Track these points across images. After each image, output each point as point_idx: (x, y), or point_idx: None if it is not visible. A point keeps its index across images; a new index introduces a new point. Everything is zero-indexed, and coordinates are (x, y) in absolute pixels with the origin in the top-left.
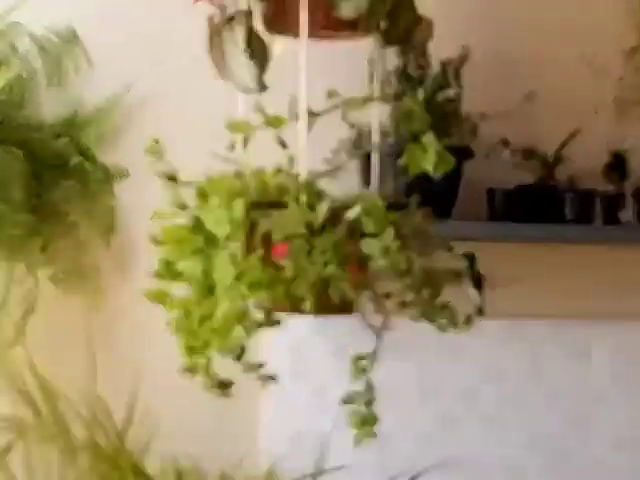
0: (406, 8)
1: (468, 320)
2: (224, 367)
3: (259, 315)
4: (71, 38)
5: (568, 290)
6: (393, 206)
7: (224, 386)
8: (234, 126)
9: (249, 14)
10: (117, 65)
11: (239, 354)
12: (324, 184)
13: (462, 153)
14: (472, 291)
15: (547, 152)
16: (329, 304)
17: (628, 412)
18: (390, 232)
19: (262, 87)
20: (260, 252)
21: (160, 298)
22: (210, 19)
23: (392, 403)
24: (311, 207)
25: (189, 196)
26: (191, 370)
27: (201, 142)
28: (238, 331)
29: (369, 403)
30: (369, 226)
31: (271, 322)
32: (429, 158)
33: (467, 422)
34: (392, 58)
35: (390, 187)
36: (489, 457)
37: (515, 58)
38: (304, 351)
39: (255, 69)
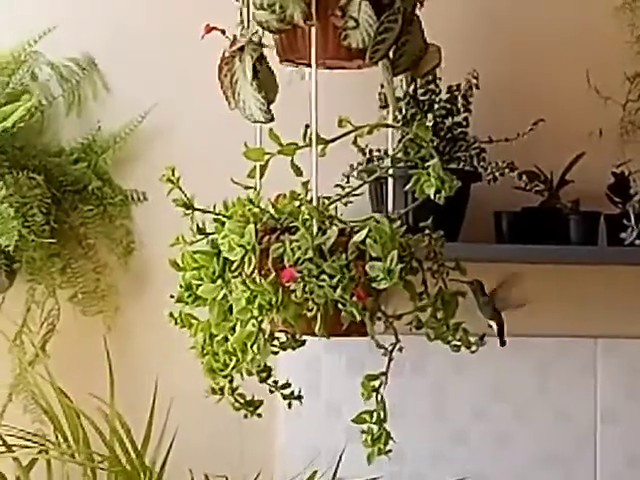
0: (414, 36)
1: (481, 339)
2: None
3: (282, 337)
4: (90, 66)
5: (574, 309)
6: (409, 229)
7: (253, 405)
8: (250, 153)
9: (258, 45)
10: (134, 92)
11: (265, 375)
12: (338, 209)
13: (469, 176)
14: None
15: (552, 175)
16: (340, 325)
17: (637, 429)
18: (394, 255)
19: (269, 118)
20: (272, 276)
21: (185, 322)
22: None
23: (405, 421)
24: (322, 231)
25: (208, 222)
26: (217, 391)
27: (217, 169)
28: (251, 352)
29: (381, 421)
30: (375, 249)
31: (294, 343)
32: (431, 183)
33: (478, 439)
34: (402, 83)
35: (402, 211)
36: (500, 474)
37: (522, 83)
38: (320, 369)
39: (262, 100)
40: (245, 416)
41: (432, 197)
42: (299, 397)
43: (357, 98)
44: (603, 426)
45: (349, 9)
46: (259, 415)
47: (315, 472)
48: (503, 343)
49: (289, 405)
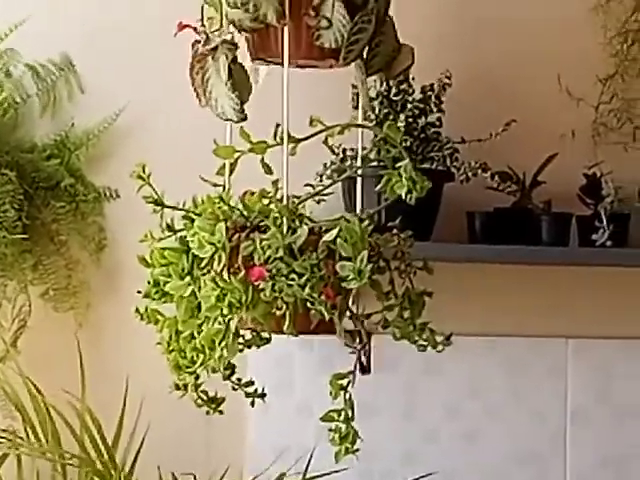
0: (387, 36)
1: (447, 339)
2: (212, 384)
3: (247, 334)
4: (66, 65)
5: (544, 309)
6: (376, 229)
7: (215, 402)
8: (220, 151)
9: (232, 44)
10: (107, 91)
11: (229, 372)
12: (310, 208)
13: (442, 176)
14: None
15: (525, 176)
16: (309, 324)
17: (607, 430)
18: (364, 255)
19: (242, 117)
20: (242, 274)
21: (151, 318)
22: (194, 45)
23: (376, 420)
24: (292, 230)
25: (177, 219)
26: (180, 387)
27: (189, 166)
28: (219, 350)
29: (348, 420)
30: (345, 249)
31: (259, 341)
32: (403, 184)
33: (449, 437)
34: (375, 83)
35: (372, 210)
36: (471, 472)
37: (495, 83)
38: (289, 367)
39: (236, 99)
40: (207, 413)
41: (403, 198)
42: (262, 395)
43: (331, 98)
44: (573, 426)
45: (322, 9)
46: (221, 412)
47: (284, 474)
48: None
49: (252, 403)
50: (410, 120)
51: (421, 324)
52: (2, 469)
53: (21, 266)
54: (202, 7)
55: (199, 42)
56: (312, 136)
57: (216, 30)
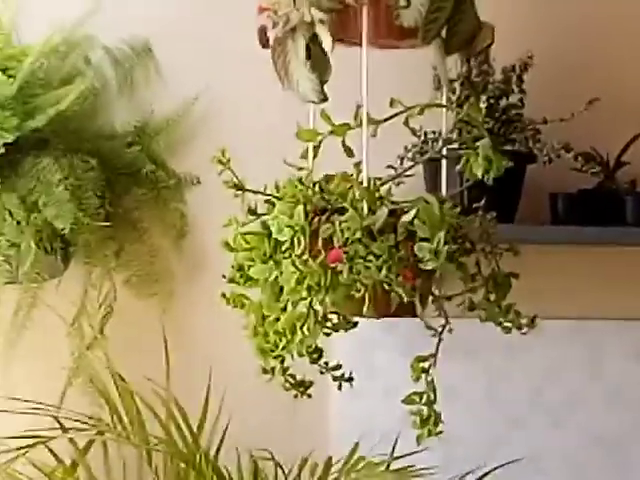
0: (466, 15)
1: (532, 321)
2: (298, 368)
3: (334, 318)
4: (144, 50)
5: (629, 291)
6: (462, 211)
7: (303, 386)
8: (302, 134)
9: (311, 25)
10: (187, 75)
11: (316, 356)
12: (391, 190)
13: (524, 158)
14: None
15: (609, 156)
16: (389, 307)
17: None
18: (441, 236)
19: (323, 98)
20: (321, 257)
21: (237, 302)
22: (261, 30)
23: (459, 403)
24: (372, 212)
25: (261, 203)
26: (268, 372)
27: (270, 150)
28: (300, 333)
29: (430, 403)
30: (423, 230)
31: (346, 325)
32: (479, 164)
33: (533, 420)
34: (456, 65)
35: (455, 192)
36: (555, 457)
37: (578, 62)
38: (374, 351)
39: (316, 80)
40: (295, 396)
41: (480, 177)
42: (350, 379)
43: (411, 79)
44: None
45: None
46: (309, 396)
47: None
48: None
49: (339, 387)
50: (491, 102)
51: (506, 306)
52: (88, 456)
53: (104, 253)
54: None
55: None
56: (392, 117)
57: (289, 12)
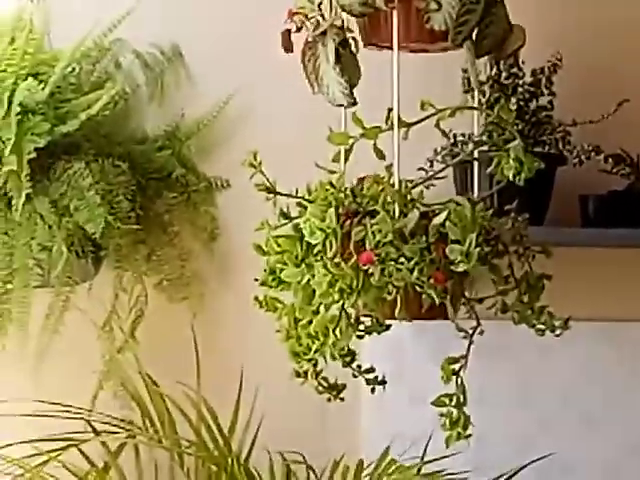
0: (497, 17)
1: (565, 323)
2: (329, 371)
3: (367, 321)
4: (174, 54)
5: None
6: (494, 213)
7: (336, 389)
8: (334, 138)
9: (341, 29)
10: (217, 79)
11: (349, 359)
12: (420, 192)
13: (554, 160)
14: None
15: (639, 158)
16: (420, 309)
17: None
18: (473, 238)
19: (352, 102)
20: (353, 259)
21: (270, 306)
22: (284, 34)
23: (489, 405)
24: (403, 215)
25: (292, 206)
26: (300, 375)
27: (301, 153)
28: (332, 336)
29: (460, 405)
30: (454, 232)
31: (379, 327)
32: (510, 165)
33: (565, 423)
34: (485, 67)
35: (484, 194)
36: (586, 458)
37: (607, 64)
38: (404, 354)
39: (345, 84)
40: (328, 399)
41: (511, 179)
42: (383, 382)
43: (440, 82)
44: None
45: None
46: (342, 399)
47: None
48: None
49: (372, 390)
50: (521, 104)
51: (540, 308)
52: (120, 459)
53: (135, 257)
54: None
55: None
56: (423, 120)
57: (312, 17)
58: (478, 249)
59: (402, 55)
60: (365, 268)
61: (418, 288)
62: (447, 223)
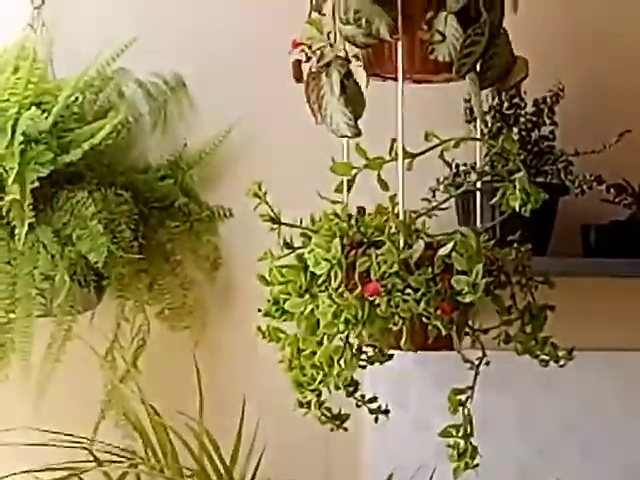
0: (501, 49)
1: (569, 354)
2: (332, 401)
3: (369, 351)
4: (177, 84)
5: None
6: (496, 243)
7: (340, 419)
8: (338, 168)
9: (345, 60)
10: (220, 109)
11: (352, 389)
12: (424, 222)
13: (556, 190)
14: None
15: None
16: (426, 340)
17: None
18: (479, 269)
19: (357, 132)
20: (358, 290)
21: (273, 336)
22: (295, 64)
23: (490, 435)
24: (408, 245)
25: (295, 236)
26: (304, 405)
27: (302, 183)
28: (337, 367)
29: (467, 436)
30: (460, 263)
31: (381, 357)
32: (517, 196)
33: (565, 452)
34: (487, 97)
35: (488, 224)
36: None
37: (609, 94)
38: (406, 384)
39: (350, 114)
40: (331, 430)
41: (517, 210)
42: (386, 411)
43: (440, 112)
44: None
45: (435, 23)
46: (345, 429)
47: None
48: None
49: (376, 419)
50: (523, 134)
51: (543, 338)
52: None
53: (137, 286)
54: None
55: (303, 60)
56: (428, 150)
57: (323, 47)
58: (484, 280)
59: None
60: (372, 299)
61: (425, 319)
62: (453, 254)
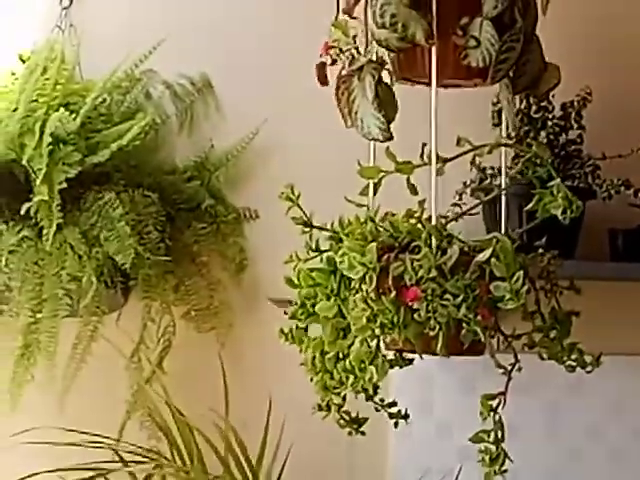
0: (534, 55)
1: (597, 360)
2: (353, 404)
3: (390, 355)
4: (204, 85)
5: None
6: (521, 248)
7: (358, 423)
8: (365, 171)
9: (378, 64)
10: (247, 110)
11: (372, 393)
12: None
13: (584, 194)
14: None
15: None
16: (458, 345)
17: None
18: (520, 275)
19: (389, 136)
20: (392, 294)
21: (296, 338)
22: (319, 67)
23: (518, 439)
24: (442, 250)
25: (322, 239)
26: (323, 408)
27: (329, 185)
28: (370, 371)
29: (498, 441)
30: (499, 269)
31: (403, 362)
32: (558, 204)
33: (593, 457)
34: (515, 101)
35: (520, 230)
36: None
37: (636, 98)
38: (432, 388)
39: (382, 119)
40: (349, 433)
41: (559, 217)
42: (406, 416)
43: (467, 116)
44: None
45: (470, 28)
46: (363, 433)
47: None
48: None
49: (396, 424)
50: (551, 137)
51: (570, 344)
52: None
53: (164, 287)
54: (332, 28)
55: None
56: (460, 155)
57: (346, 51)
58: (526, 287)
59: (422, 88)
60: (411, 304)
61: (465, 325)
62: (492, 260)
